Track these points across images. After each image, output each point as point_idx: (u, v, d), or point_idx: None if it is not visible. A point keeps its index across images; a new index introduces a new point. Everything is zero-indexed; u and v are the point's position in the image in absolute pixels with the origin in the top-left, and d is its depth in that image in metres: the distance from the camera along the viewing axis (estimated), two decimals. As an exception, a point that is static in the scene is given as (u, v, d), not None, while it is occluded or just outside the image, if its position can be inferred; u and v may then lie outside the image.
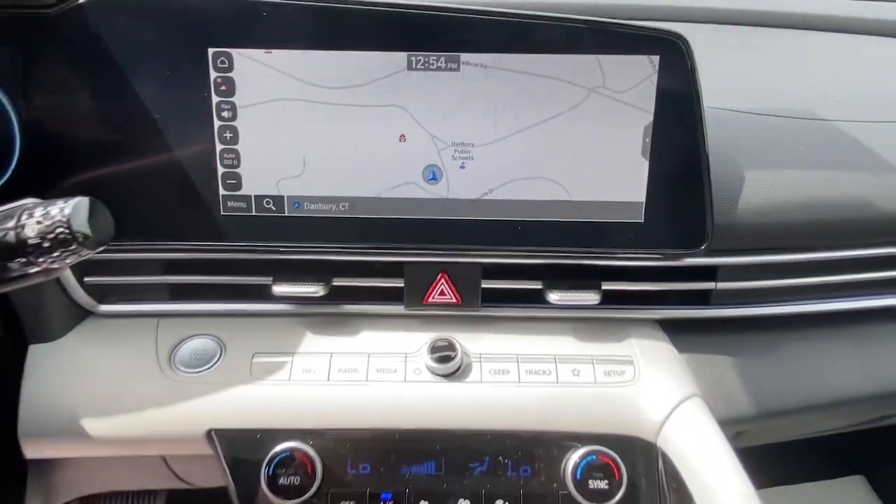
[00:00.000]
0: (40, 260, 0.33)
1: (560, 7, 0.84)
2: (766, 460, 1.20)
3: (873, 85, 0.72)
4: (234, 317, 0.55)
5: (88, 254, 0.35)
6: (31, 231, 0.33)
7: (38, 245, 0.33)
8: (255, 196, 0.49)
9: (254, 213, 0.50)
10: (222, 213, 0.49)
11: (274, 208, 0.49)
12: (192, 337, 0.54)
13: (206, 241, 0.50)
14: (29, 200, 0.35)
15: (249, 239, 0.52)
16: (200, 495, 0.93)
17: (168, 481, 0.62)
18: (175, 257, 0.52)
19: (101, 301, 0.53)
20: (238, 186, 0.49)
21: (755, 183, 0.53)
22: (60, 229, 0.33)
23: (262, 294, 0.54)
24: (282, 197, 0.49)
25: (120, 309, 0.53)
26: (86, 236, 0.34)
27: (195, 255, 0.52)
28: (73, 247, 0.34)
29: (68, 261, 0.35)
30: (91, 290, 0.52)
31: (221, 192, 0.49)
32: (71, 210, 0.33)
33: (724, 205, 0.52)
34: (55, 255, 0.34)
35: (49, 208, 0.34)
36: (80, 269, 0.51)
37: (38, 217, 0.34)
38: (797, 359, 0.57)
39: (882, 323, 0.60)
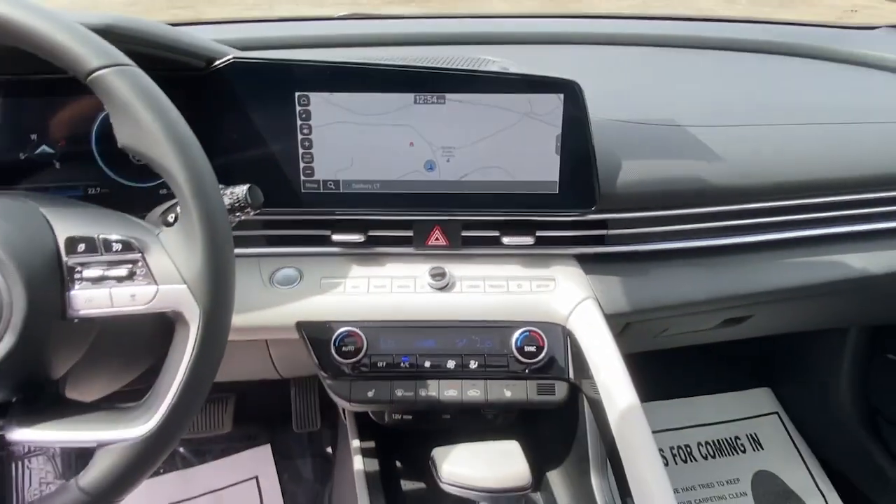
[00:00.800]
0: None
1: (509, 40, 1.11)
2: (681, 373, 1.47)
3: (728, 96, 0.97)
4: (307, 256, 0.79)
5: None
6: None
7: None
8: (323, 180, 0.76)
9: (321, 191, 0.76)
10: (303, 191, 0.76)
11: (333, 187, 0.76)
12: (281, 268, 0.78)
13: (292, 208, 0.77)
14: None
15: (318, 205, 0.76)
16: (265, 398, 1.22)
17: (267, 372, 0.91)
18: (272, 218, 0.78)
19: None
20: (312, 174, 0.75)
21: (627, 168, 0.78)
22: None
23: (325, 241, 0.77)
24: (339, 181, 0.76)
25: (236, 252, 0.81)
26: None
27: (285, 217, 0.77)
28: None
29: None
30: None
31: (302, 178, 0.75)
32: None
33: (607, 181, 0.76)
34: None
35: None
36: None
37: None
38: (662, 278, 0.81)
39: (726, 255, 0.84)
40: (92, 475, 0.49)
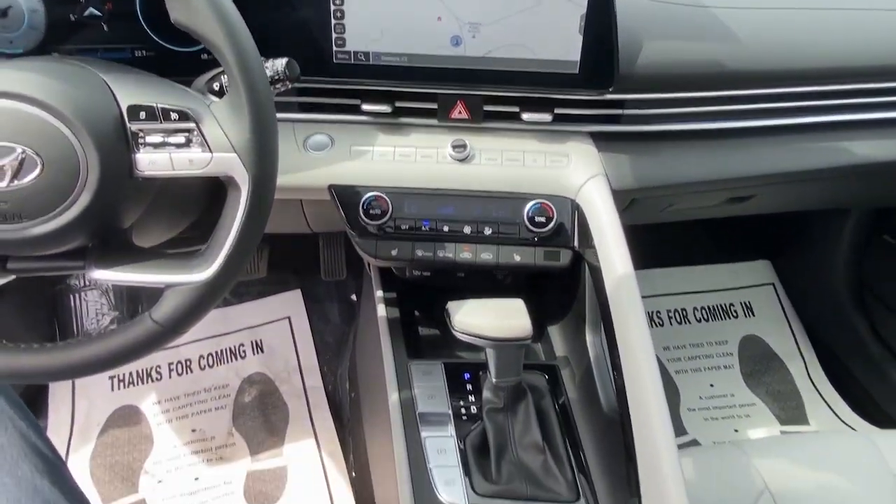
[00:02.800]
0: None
1: None
2: (686, 243, 1.55)
3: None
4: (338, 123, 0.83)
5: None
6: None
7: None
8: (353, 51, 0.79)
9: (352, 62, 0.79)
10: (335, 61, 0.79)
11: (363, 59, 0.79)
12: (314, 134, 0.82)
13: (325, 77, 0.80)
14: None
15: (349, 76, 0.79)
16: (296, 249, 1.32)
17: (299, 226, 1.00)
18: (305, 86, 0.81)
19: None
20: (343, 45, 0.79)
21: (647, 49, 0.80)
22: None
23: (355, 110, 0.81)
24: (369, 52, 0.79)
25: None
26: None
27: (318, 86, 0.81)
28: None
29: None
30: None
31: (334, 49, 0.78)
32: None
33: (626, 62, 0.79)
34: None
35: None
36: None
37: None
38: (669, 157, 0.86)
39: (733, 138, 0.88)
40: (164, 310, 0.59)
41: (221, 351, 1.47)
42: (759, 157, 0.90)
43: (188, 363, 1.45)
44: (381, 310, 0.95)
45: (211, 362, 1.45)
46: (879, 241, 1.36)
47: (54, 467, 0.68)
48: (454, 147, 0.82)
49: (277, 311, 1.52)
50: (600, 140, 0.86)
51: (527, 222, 0.82)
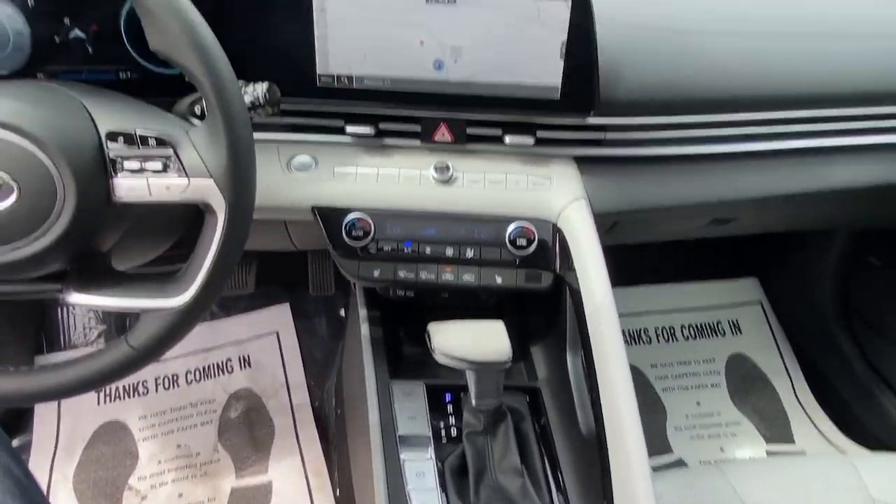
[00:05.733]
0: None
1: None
2: (674, 259, 1.55)
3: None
4: (322, 144, 0.83)
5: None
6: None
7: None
8: (337, 74, 0.79)
9: (335, 85, 0.79)
10: (318, 83, 0.79)
11: (346, 82, 0.80)
12: (298, 154, 0.82)
13: (308, 99, 0.81)
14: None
15: (332, 98, 0.79)
16: (284, 263, 1.32)
17: (284, 244, 1.00)
18: (290, 108, 0.81)
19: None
20: (327, 68, 0.79)
21: (628, 74, 0.81)
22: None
23: (339, 131, 0.82)
24: (352, 76, 0.79)
25: (258, 137, 0.85)
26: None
27: (302, 108, 0.82)
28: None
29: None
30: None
31: (318, 71, 0.79)
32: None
33: (607, 86, 0.79)
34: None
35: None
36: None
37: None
38: (651, 180, 0.87)
39: (714, 162, 0.89)
40: (140, 335, 0.59)
41: (209, 366, 1.47)
42: (740, 181, 0.91)
43: (175, 378, 1.45)
44: (365, 329, 0.95)
45: (198, 377, 1.45)
46: (867, 263, 1.36)
47: (25, 489, 0.68)
48: (437, 169, 0.83)
49: (265, 325, 1.52)
50: (583, 163, 0.86)
51: (508, 244, 0.82)
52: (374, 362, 0.90)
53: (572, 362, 0.85)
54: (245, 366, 1.47)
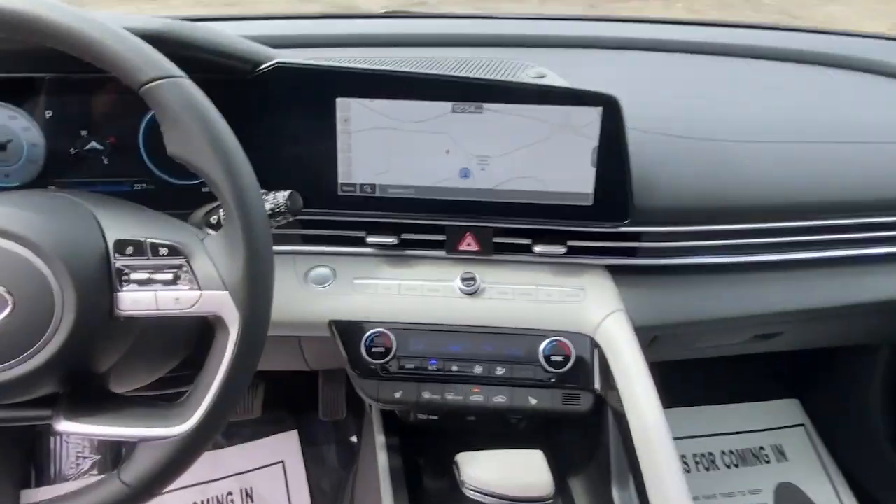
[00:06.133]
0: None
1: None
2: (708, 380, 1.46)
3: (774, 109, 0.95)
4: (341, 255, 0.80)
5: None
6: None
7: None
8: (360, 184, 0.77)
9: (357, 194, 0.77)
10: (340, 193, 0.77)
11: (370, 191, 0.77)
12: (316, 266, 0.79)
13: (330, 209, 0.78)
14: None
15: (355, 208, 0.77)
16: (293, 386, 1.24)
17: (296, 363, 0.94)
18: (309, 219, 0.78)
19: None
20: (350, 177, 0.77)
21: (662, 182, 0.78)
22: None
23: (359, 242, 0.79)
24: (375, 185, 0.77)
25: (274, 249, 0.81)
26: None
27: (321, 218, 0.78)
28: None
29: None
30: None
31: (340, 181, 0.76)
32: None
33: (641, 194, 0.76)
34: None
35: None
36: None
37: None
38: (692, 292, 0.82)
39: (758, 272, 0.84)
40: (134, 469, 0.52)
41: (207, 500, 1.34)
42: (785, 293, 0.85)
43: (170, 514, 1.32)
44: (383, 458, 0.86)
45: (195, 513, 1.32)
46: (915, 378, 1.27)
47: None
48: (463, 280, 0.79)
49: (270, 454, 1.41)
50: (618, 273, 0.81)
51: (542, 361, 0.76)
52: (393, 496, 0.80)
53: (619, 496, 0.76)
54: (247, 500, 1.35)
